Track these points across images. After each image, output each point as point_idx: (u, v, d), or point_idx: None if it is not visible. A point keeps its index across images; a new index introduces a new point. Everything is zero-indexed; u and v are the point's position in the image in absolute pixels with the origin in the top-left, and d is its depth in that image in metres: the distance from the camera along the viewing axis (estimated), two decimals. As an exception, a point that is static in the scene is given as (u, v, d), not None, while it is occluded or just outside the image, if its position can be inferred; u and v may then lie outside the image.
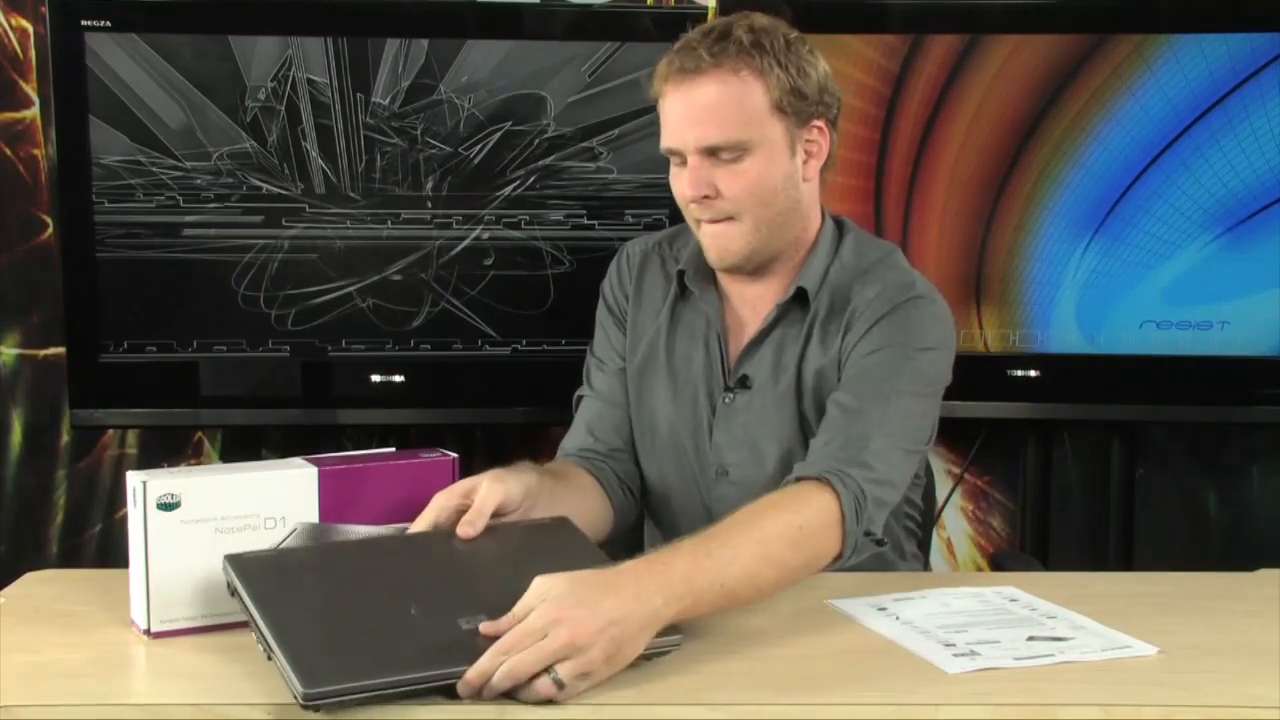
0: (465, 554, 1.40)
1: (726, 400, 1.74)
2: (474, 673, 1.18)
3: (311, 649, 1.19)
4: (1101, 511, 2.71)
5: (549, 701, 1.19)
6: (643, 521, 1.89)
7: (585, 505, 1.69)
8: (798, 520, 1.44)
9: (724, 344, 1.75)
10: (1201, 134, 2.41)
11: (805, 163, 1.68)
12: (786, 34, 1.66)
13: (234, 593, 1.30)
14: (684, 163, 1.65)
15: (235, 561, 1.32)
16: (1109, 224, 2.46)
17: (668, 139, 1.66)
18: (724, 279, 1.76)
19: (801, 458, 1.63)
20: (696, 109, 1.62)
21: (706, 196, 1.64)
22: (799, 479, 1.51)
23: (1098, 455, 2.73)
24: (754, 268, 1.72)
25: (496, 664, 1.19)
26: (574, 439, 1.82)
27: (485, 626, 1.23)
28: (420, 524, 1.43)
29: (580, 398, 1.86)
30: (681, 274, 1.78)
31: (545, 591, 1.24)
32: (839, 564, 1.50)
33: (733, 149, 1.62)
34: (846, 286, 1.71)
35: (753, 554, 1.37)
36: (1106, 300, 2.48)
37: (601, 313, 1.87)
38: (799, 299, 1.72)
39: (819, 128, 1.68)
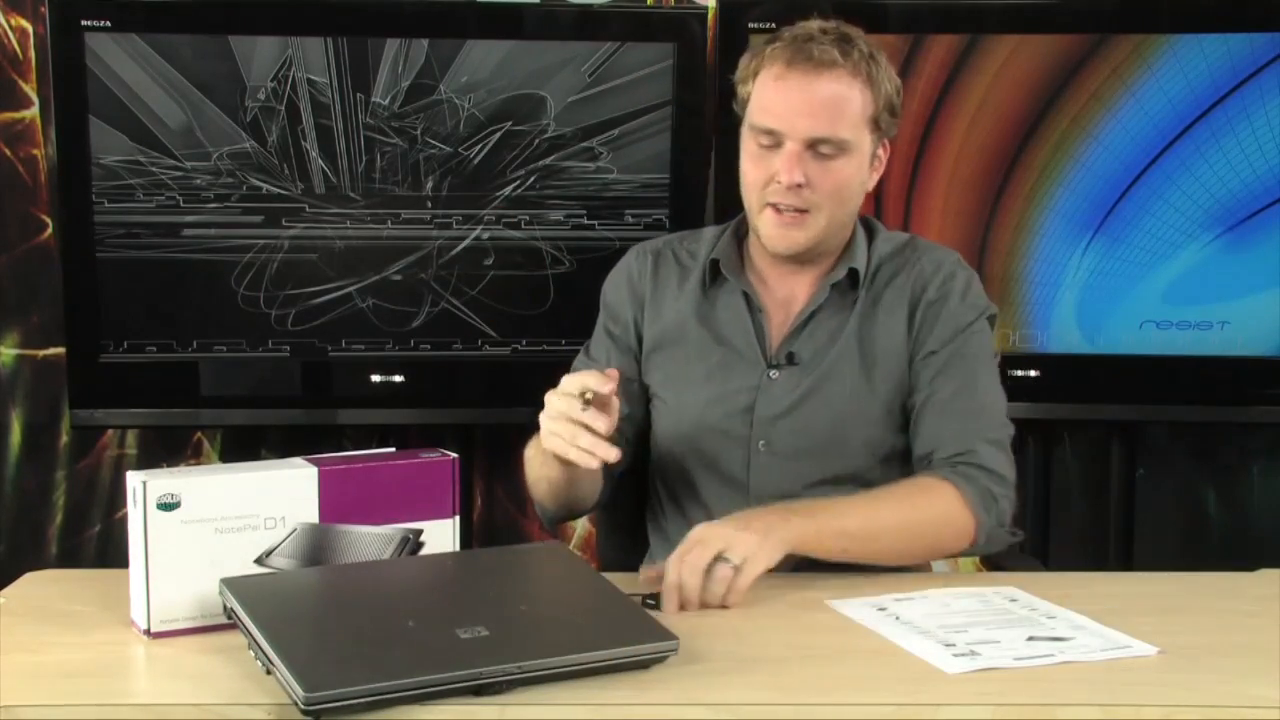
0: (460, 574, 1.41)
1: (771, 375, 1.77)
2: (667, 587, 1.43)
3: (311, 657, 1.19)
4: (1101, 511, 2.71)
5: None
6: (642, 508, 1.92)
7: (599, 477, 1.75)
8: (912, 501, 1.64)
9: (764, 324, 1.79)
10: (1201, 134, 2.41)
11: (871, 174, 1.76)
12: (882, 53, 1.74)
13: (231, 615, 1.31)
14: (773, 146, 1.69)
15: (232, 584, 1.32)
16: (1109, 224, 2.46)
17: (772, 120, 1.68)
18: (762, 266, 1.81)
19: (854, 430, 1.76)
20: (816, 101, 1.67)
21: (799, 184, 1.68)
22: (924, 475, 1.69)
23: (1098, 455, 2.73)
24: (805, 257, 1.78)
25: (677, 573, 1.43)
26: None
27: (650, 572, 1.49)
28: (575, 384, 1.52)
29: None
30: (715, 262, 1.81)
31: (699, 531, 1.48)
32: (966, 554, 1.70)
33: (836, 146, 1.68)
34: (892, 269, 1.79)
35: (868, 511, 1.59)
36: (1106, 300, 2.48)
37: (604, 316, 1.89)
38: (849, 279, 1.78)
39: (885, 145, 1.77)
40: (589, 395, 1.50)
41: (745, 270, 1.82)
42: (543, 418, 1.55)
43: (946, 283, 1.77)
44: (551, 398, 1.54)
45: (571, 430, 1.51)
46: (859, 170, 1.72)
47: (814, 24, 1.72)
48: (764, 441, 1.77)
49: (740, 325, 1.80)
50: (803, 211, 1.70)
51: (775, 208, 1.71)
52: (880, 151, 1.76)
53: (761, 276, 1.82)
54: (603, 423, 1.50)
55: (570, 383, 1.53)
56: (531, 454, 1.72)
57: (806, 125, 1.67)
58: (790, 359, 1.77)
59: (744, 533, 1.47)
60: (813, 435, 1.77)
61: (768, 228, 1.73)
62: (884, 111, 1.72)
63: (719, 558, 1.44)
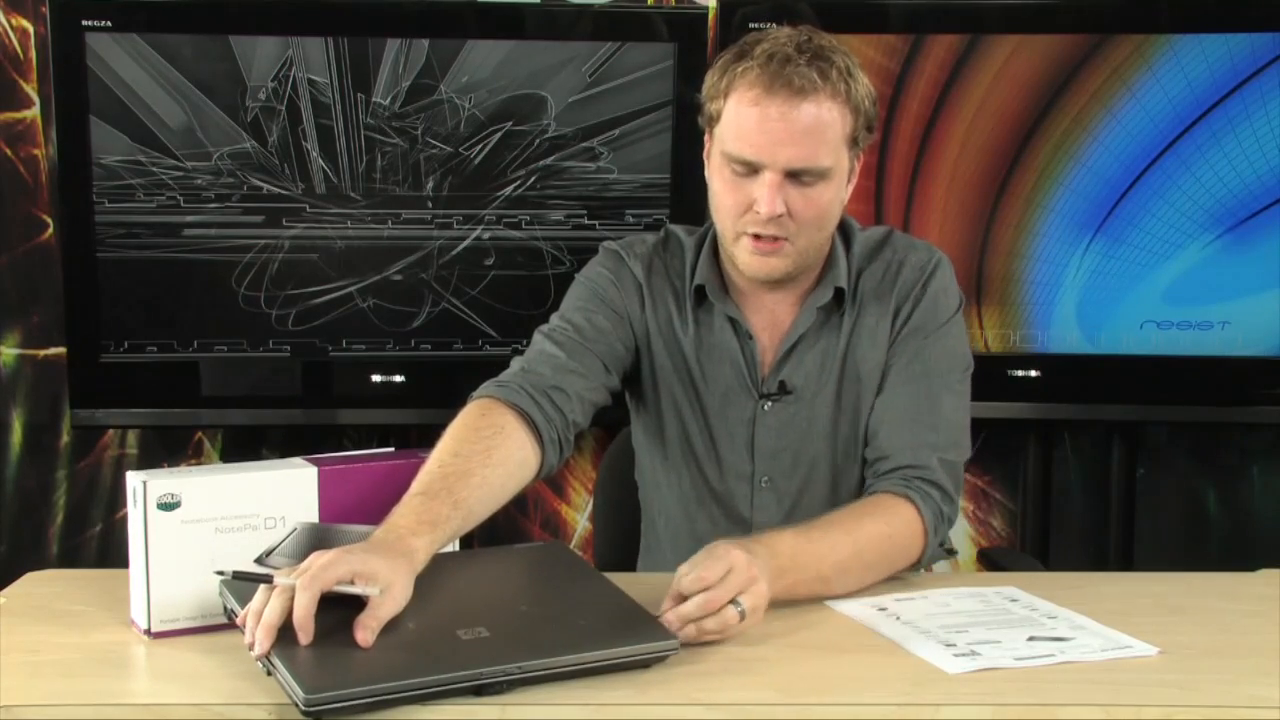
0: (460, 574, 1.40)
1: (765, 408, 1.73)
2: (676, 615, 1.31)
3: (311, 658, 1.19)
4: (1101, 511, 2.71)
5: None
6: (639, 538, 1.90)
7: (507, 477, 1.52)
8: (889, 530, 1.56)
9: (754, 350, 1.73)
10: (1201, 134, 2.41)
11: (847, 189, 1.69)
12: (854, 58, 1.65)
13: (230, 616, 1.31)
14: (749, 174, 1.61)
15: (231, 585, 1.32)
16: (1109, 224, 2.46)
17: (750, 150, 1.59)
18: (743, 284, 1.73)
19: (852, 455, 1.71)
20: (796, 130, 1.57)
21: (779, 215, 1.60)
22: (885, 491, 1.63)
23: (1098, 455, 2.73)
24: (786, 281, 1.71)
25: (694, 606, 1.32)
26: (516, 370, 1.66)
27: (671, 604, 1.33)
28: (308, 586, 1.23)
29: (518, 350, 1.75)
30: (700, 288, 1.73)
31: (710, 552, 1.37)
32: (914, 570, 1.61)
33: (816, 174, 1.60)
34: (873, 278, 1.73)
35: (849, 552, 1.50)
36: (1107, 300, 2.48)
37: (589, 292, 1.76)
38: (834, 299, 1.72)
39: (860, 156, 1.69)
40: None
41: (729, 293, 1.74)
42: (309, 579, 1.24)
43: (924, 287, 1.72)
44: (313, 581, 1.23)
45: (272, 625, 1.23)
46: (838, 191, 1.64)
47: (785, 37, 1.60)
48: (767, 478, 1.74)
49: (731, 355, 1.73)
50: (781, 239, 1.62)
51: (753, 236, 1.63)
52: (856, 164, 1.68)
53: (744, 298, 1.74)
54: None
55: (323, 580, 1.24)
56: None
57: (788, 155, 1.58)
58: (782, 387, 1.72)
59: (761, 583, 1.36)
60: (814, 470, 1.73)
61: (745, 256, 1.65)
62: (862, 129, 1.64)
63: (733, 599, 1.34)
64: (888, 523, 1.56)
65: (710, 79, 1.65)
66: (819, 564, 1.47)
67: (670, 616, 1.32)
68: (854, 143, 1.64)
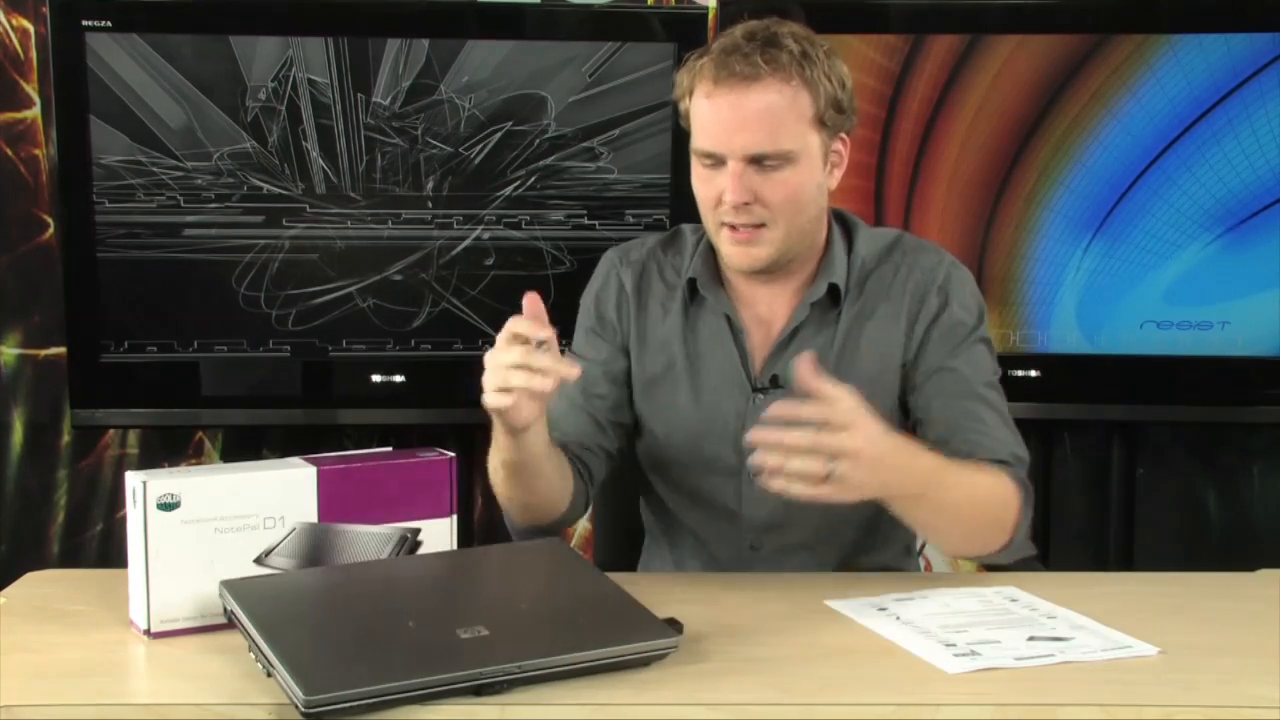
0: (460, 573, 1.41)
1: (758, 401, 1.72)
2: (760, 435, 1.38)
3: (311, 659, 1.19)
4: (1101, 511, 2.71)
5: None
6: (639, 507, 1.90)
7: (567, 482, 1.70)
8: (994, 483, 1.59)
9: (746, 345, 1.74)
10: (1202, 134, 2.41)
11: (829, 173, 1.69)
12: (823, 45, 1.66)
13: (230, 617, 1.31)
14: (716, 165, 1.63)
15: (231, 586, 1.32)
16: (1109, 224, 2.46)
17: (709, 142, 1.63)
18: (738, 282, 1.74)
19: None
20: (749, 116, 1.60)
21: (746, 203, 1.62)
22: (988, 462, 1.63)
23: (1098, 455, 2.72)
24: (774, 269, 1.71)
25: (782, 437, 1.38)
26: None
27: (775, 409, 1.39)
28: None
29: None
30: (692, 281, 1.75)
31: (856, 405, 1.41)
32: (994, 556, 1.63)
33: (779, 158, 1.61)
34: (882, 277, 1.73)
35: (968, 492, 1.55)
36: (1107, 300, 2.48)
37: (589, 319, 1.82)
38: (829, 295, 1.72)
39: (843, 139, 1.69)
40: (539, 340, 1.46)
41: (724, 287, 1.75)
42: (495, 378, 1.51)
43: (944, 289, 1.72)
44: (500, 355, 1.49)
45: (527, 376, 1.47)
46: (811, 175, 1.64)
47: (740, 31, 1.63)
48: (755, 471, 1.74)
49: (724, 348, 1.74)
50: (758, 226, 1.63)
51: (730, 226, 1.65)
52: (838, 146, 1.68)
53: (738, 292, 1.75)
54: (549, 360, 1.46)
55: (514, 331, 1.49)
56: (491, 456, 1.68)
57: (743, 142, 1.60)
58: (775, 382, 1.72)
59: (861, 465, 1.39)
60: None
61: (726, 247, 1.67)
62: (828, 109, 1.63)
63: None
64: (994, 476, 1.59)
65: (677, 79, 1.70)
66: (946, 490, 1.51)
67: (758, 437, 1.39)
68: (821, 124, 1.64)
